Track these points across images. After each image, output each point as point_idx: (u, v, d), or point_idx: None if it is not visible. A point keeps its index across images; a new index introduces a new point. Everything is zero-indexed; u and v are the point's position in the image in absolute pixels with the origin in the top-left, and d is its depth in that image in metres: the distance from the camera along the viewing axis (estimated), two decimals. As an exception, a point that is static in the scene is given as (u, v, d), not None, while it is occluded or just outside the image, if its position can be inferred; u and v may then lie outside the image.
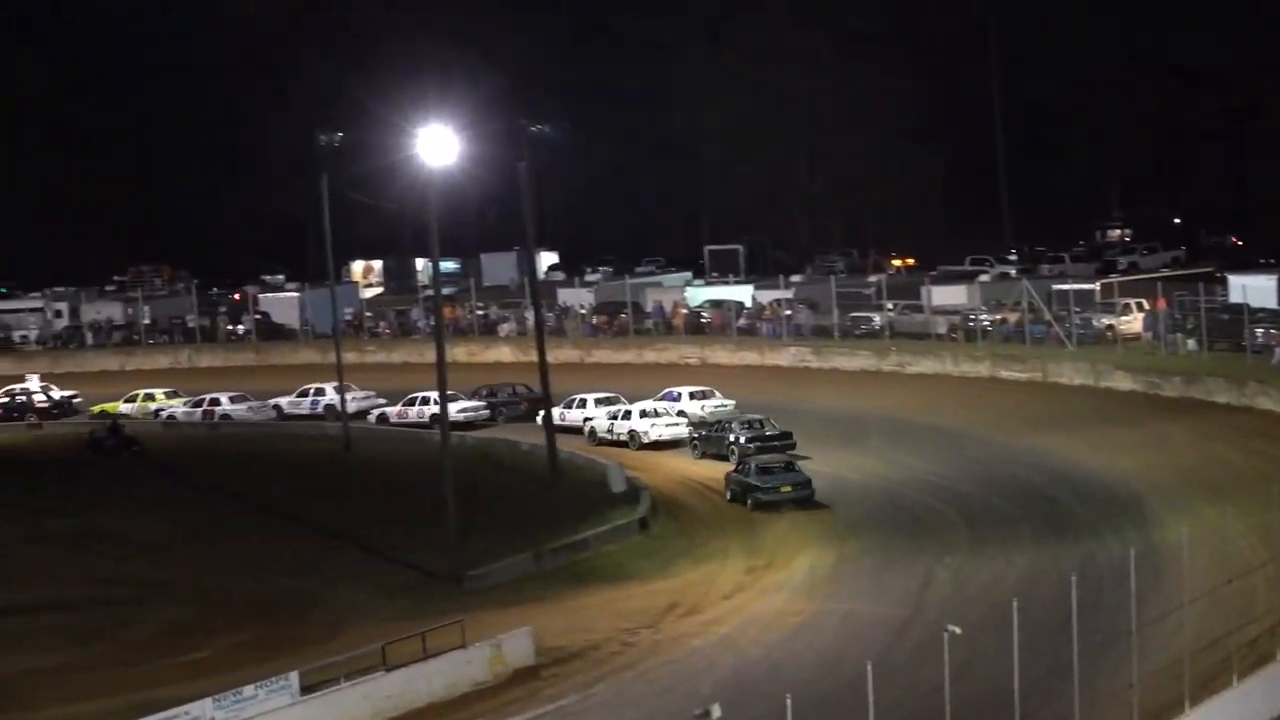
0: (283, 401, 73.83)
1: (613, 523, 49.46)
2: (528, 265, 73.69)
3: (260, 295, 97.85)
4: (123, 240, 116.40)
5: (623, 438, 62.25)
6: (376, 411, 70.40)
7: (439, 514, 45.93)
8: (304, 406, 72.89)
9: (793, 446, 56.36)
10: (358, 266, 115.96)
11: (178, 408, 74.79)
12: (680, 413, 63.85)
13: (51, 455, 68.11)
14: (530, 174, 61.09)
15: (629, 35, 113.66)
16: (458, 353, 73.76)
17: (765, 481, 50.90)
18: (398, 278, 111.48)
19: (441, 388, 48.86)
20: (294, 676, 33.07)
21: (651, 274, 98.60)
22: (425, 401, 67.72)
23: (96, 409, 76.64)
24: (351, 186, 73.28)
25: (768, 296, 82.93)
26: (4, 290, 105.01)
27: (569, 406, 64.89)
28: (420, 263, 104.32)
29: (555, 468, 57.03)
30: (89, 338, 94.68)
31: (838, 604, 40.45)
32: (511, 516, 51.43)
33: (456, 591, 43.36)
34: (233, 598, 44.74)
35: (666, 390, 66.37)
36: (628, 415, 63.28)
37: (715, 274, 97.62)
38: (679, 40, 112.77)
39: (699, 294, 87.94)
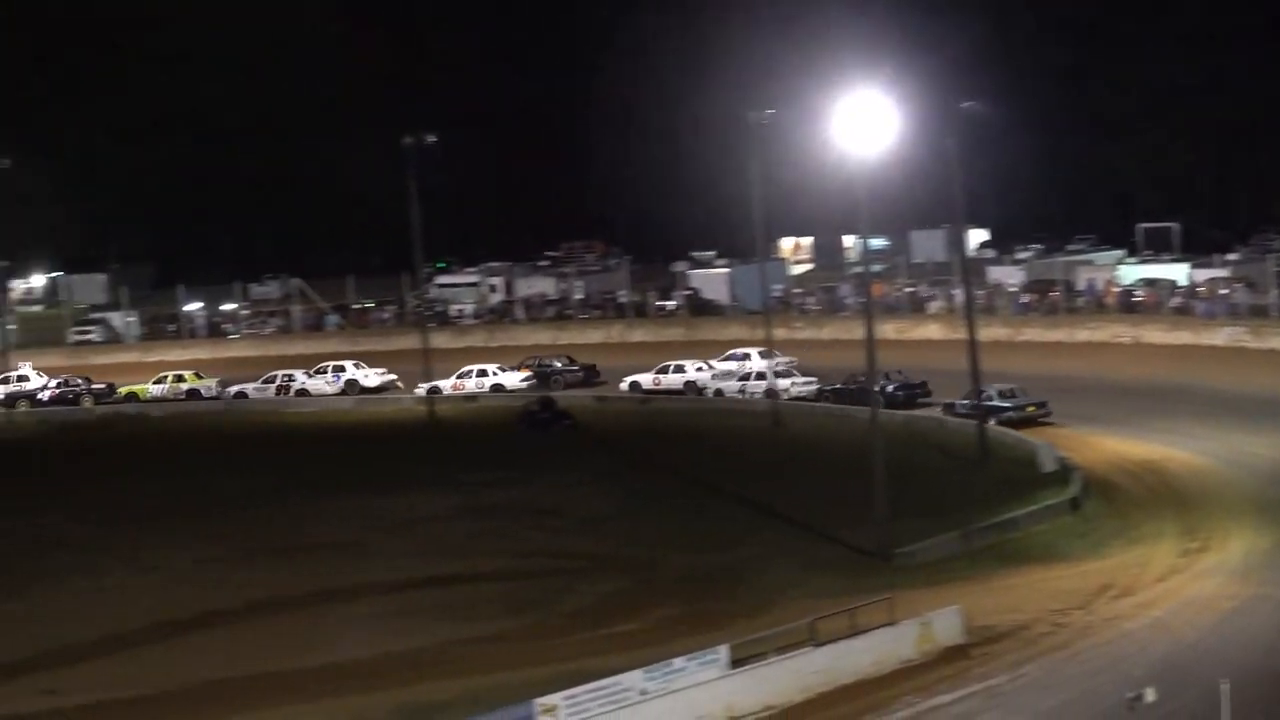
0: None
1: (1042, 502, 48.86)
2: (957, 242, 73.41)
3: (690, 271, 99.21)
4: (556, 216, 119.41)
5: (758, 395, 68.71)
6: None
7: (867, 491, 45.95)
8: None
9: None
10: (787, 243, 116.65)
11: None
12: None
13: (486, 429, 70.22)
14: (960, 150, 60.57)
15: (1058, 11, 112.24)
16: (886, 330, 73.52)
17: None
18: (826, 254, 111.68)
19: (870, 365, 48.79)
20: (723, 650, 33.40)
21: (1083, 251, 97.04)
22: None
23: (124, 390, 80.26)
24: (782, 164, 73.85)
25: (1203, 275, 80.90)
26: (444, 265, 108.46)
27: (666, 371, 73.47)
28: (849, 240, 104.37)
29: (984, 447, 56.52)
30: (520, 312, 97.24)
31: (1274, 590, 39.26)
32: (939, 495, 51.13)
33: (883, 569, 43.32)
34: (663, 571, 45.47)
35: (731, 351, 75.43)
36: (761, 376, 69.89)
37: (1149, 251, 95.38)
38: (1109, 14, 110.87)
39: (1132, 272, 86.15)
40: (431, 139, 77.25)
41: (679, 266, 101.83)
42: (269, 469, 63.28)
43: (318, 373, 79.46)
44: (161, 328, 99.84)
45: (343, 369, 79.42)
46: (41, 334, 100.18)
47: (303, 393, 78.39)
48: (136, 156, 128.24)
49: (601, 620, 40.73)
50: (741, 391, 71.52)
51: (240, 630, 41.30)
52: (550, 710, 30.66)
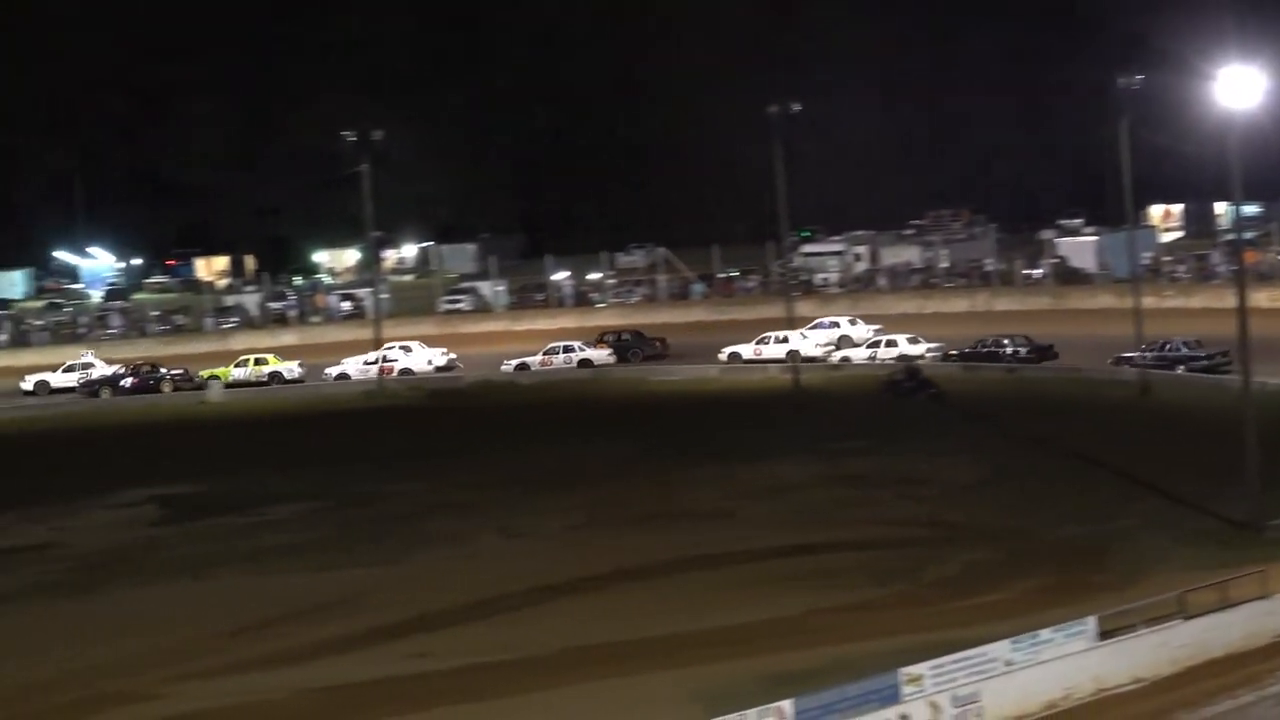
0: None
1: None
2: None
3: (1058, 239, 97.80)
4: (922, 184, 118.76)
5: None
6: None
7: (1240, 461, 44.80)
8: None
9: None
10: (1156, 210, 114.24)
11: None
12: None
13: (850, 397, 70.21)
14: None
15: None
16: (1259, 298, 71.48)
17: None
18: (1197, 221, 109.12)
19: (1242, 335, 47.51)
20: (1092, 621, 32.98)
21: None
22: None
23: (206, 374, 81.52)
24: (1151, 130, 72.36)
25: None
26: (808, 233, 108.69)
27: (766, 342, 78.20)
28: (1221, 206, 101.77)
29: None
30: (884, 280, 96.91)
31: None
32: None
33: (1256, 541, 42.24)
34: (1031, 541, 44.94)
35: (818, 320, 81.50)
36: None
37: None
38: None
39: None
40: (796, 107, 77.52)
41: (1046, 234, 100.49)
42: (633, 437, 64.27)
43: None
44: (529, 297, 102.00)
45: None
46: (413, 303, 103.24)
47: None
48: (507, 128, 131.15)
49: (967, 590, 40.38)
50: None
51: (607, 596, 41.88)
52: (915, 680, 30.68)
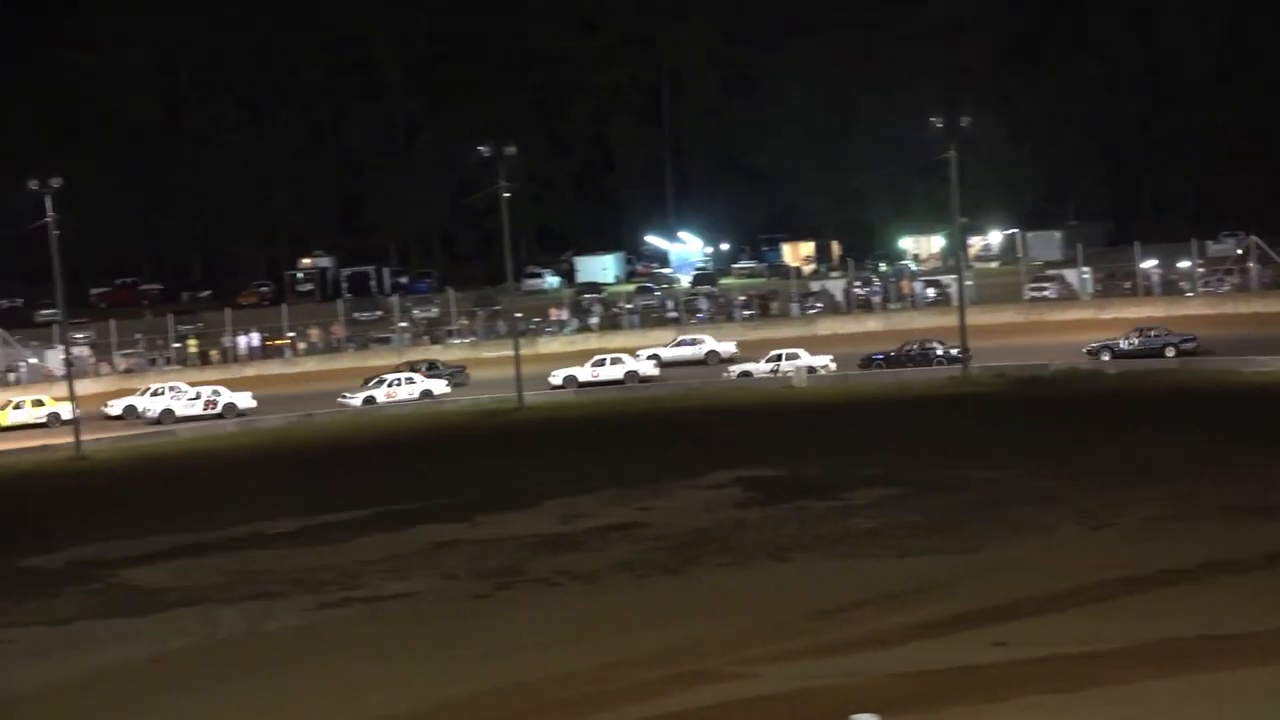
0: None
1: None
2: None
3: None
4: None
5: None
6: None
7: None
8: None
9: None
10: None
11: None
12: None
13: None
14: None
15: None
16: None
17: None
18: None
19: None
20: None
21: None
22: None
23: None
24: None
25: None
26: None
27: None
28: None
29: None
30: None
31: None
32: None
33: None
34: None
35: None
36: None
37: None
38: None
39: None
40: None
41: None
42: (1205, 428, 62.81)
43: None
44: (1116, 285, 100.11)
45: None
46: (997, 290, 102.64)
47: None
48: (1096, 114, 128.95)
49: None
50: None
51: (1192, 590, 40.99)
52: None
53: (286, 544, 53.09)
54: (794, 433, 69.63)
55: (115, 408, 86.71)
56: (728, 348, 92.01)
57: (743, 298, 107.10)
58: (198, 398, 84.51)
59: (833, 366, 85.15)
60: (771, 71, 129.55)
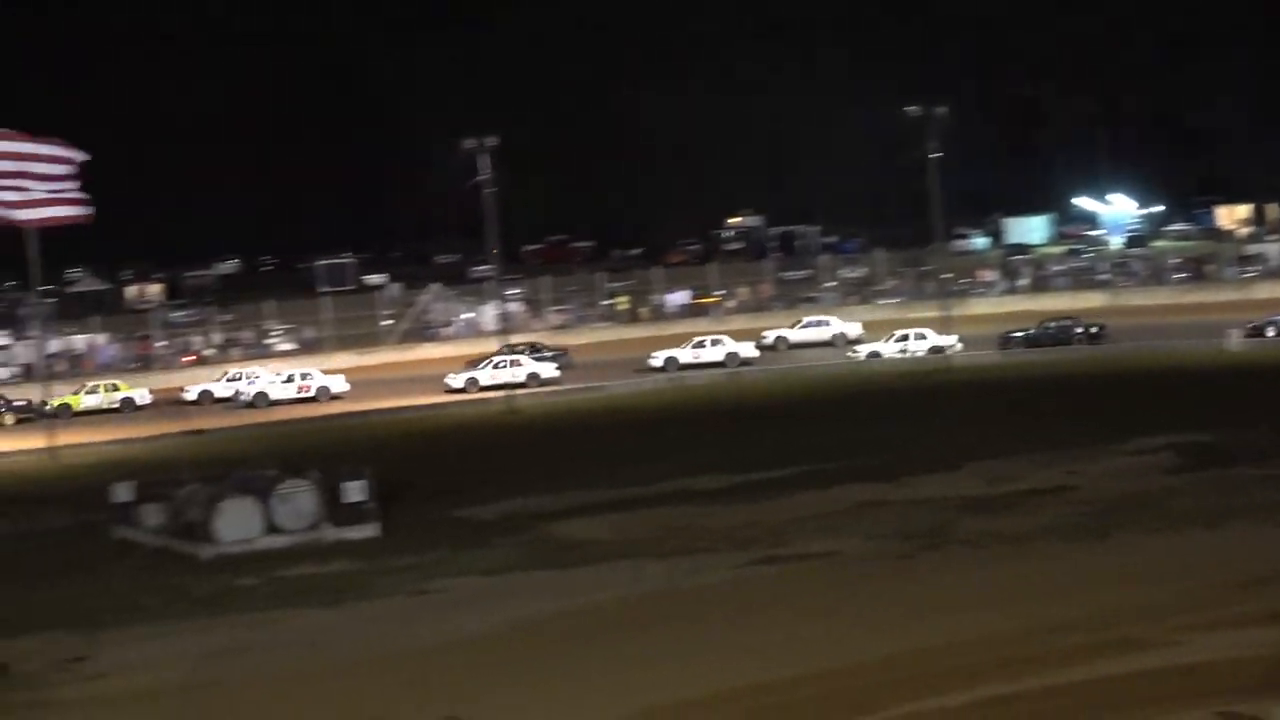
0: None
1: None
2: None
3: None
4: None
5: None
6: None
7: None
8: None
9: None
10: None
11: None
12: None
13: None
14: None
15: None
16: None
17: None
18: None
19: None
20: None
21: None
22: None
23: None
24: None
25: None
26: None
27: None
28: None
29: None
30: None
31: None
32: None
33: None
34: None
35: None
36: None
37: None
38: None
39: None
40: None
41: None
42: None
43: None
44: None
45: None
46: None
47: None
48: None
49: None
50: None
51: None
52: None
53: (713, 501, 53.88)
54: (1223, 397, 67.95)
55: (191, 392, 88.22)
56: (854, 329, 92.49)
57: (1175, 261, 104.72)
58: (289, 380, 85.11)
59: (959, 347, 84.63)
60: (1205, 31, 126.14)
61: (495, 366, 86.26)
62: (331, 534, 50.78)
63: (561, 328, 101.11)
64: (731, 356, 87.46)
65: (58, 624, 42.36)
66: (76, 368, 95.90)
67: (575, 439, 70.66)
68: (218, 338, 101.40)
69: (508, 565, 46.93)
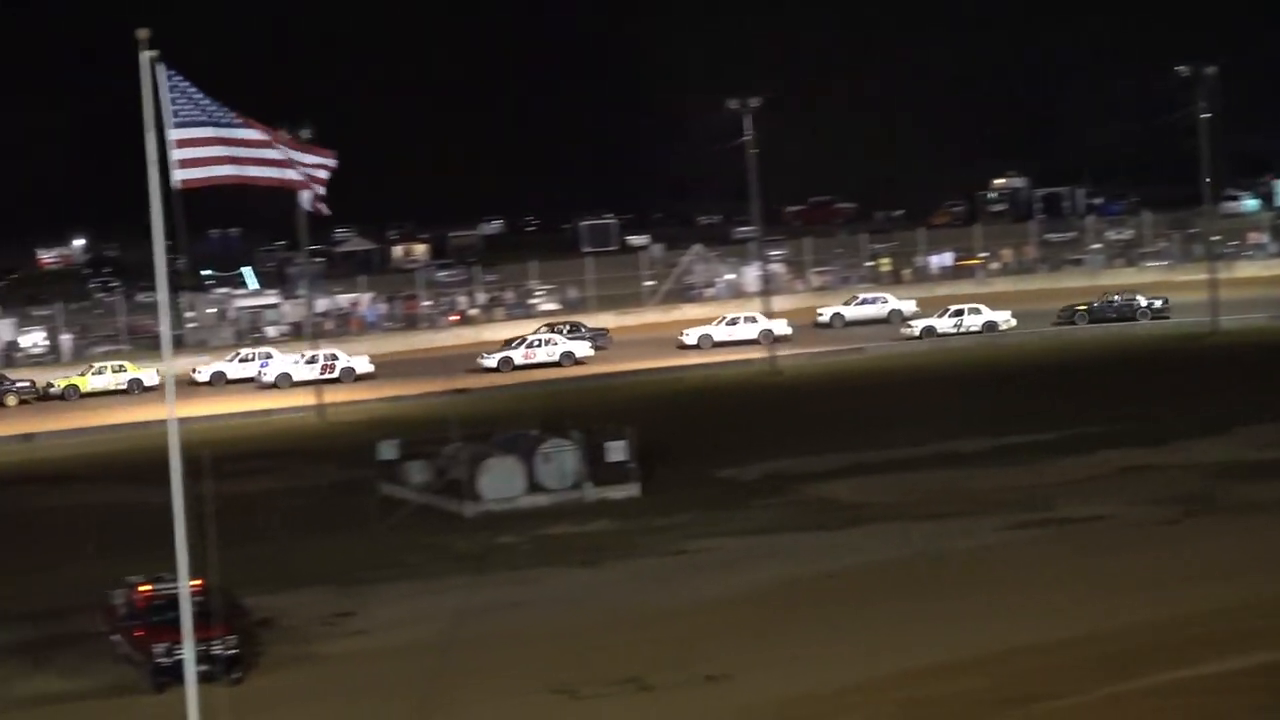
0: None
1: None
2: None
3: None
4: None
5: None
6: None
7: None
8: None
9: None
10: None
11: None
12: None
13: None
14: None
15: None
16: None
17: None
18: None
19: None
20: None
21: None
22: None
23: None
24: None
25: None
26: None
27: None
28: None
29: None
30: None
31: None
32: None
33: None
34: None
35: None
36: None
37: None
38: None
39: None
40: None
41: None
42: None
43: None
44: None
45: None
46: None
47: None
48: None
49: None
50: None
51: None
52: None
53: (976, 464, 53.46)
54: None
55: (203, 374, 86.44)
56: (909, 306, 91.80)
57: None
58: (314, 361, 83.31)
59: (1014, 322, 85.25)
60: None
61: (529, 345, 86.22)
62: (593, 493, 51.26)
63: (822, 289, 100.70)
64: (765, 334, 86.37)
65: (325, 579, 43.29)
66: (343, 326, 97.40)
67: (835, 400, 70.46)
68: (482, 297, 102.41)
69: (768, 526, 47.02)
